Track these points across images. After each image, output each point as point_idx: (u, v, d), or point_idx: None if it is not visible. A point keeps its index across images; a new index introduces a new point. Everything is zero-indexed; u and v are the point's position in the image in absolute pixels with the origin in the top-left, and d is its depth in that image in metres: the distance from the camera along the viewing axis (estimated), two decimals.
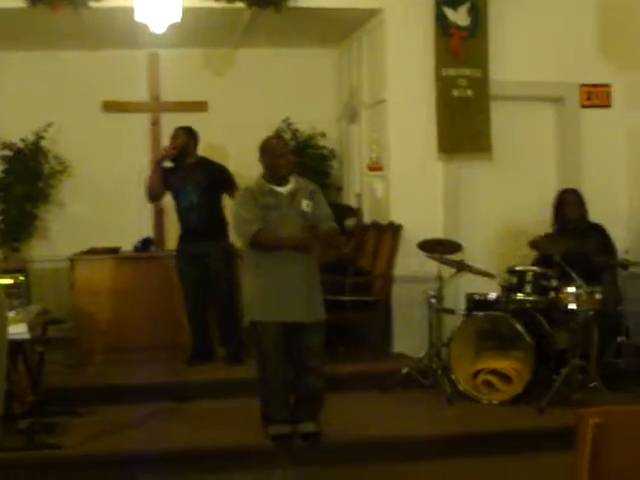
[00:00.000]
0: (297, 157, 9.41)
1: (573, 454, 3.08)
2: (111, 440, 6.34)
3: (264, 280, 6.13)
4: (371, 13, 8.62)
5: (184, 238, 8.15)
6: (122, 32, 8.76)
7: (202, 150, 8.34)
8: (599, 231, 7.97)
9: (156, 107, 9.81)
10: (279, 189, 6.18)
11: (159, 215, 9.64)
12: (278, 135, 6.89)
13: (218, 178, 8.12)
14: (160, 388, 7.45)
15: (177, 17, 7.08)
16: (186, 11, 7.57)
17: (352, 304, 7.93)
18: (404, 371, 7.48)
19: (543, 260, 7.71)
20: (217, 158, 8.50)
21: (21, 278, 7.94)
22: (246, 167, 8.48)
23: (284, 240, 6.09)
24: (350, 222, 8.23)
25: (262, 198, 6.15)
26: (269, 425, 6.23)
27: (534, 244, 7.72)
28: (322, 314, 6.22)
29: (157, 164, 8.08)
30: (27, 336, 6.06)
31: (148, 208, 9.52)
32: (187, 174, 8.02)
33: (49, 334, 6.80)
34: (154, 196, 8.29)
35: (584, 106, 8.85)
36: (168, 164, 8.04)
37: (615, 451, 3.05)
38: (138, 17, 7.06)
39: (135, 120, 9.78)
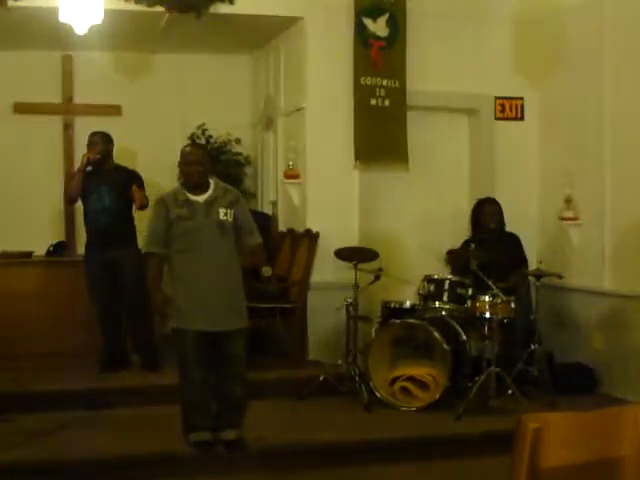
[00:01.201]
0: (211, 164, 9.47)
1: (510, 458, 3.11)
2: (30, 449, 6.18)
3: (182, 287, 6.07)
4: (291, 21, 8.63)
5: (93, 243, 7.98)
6: (36, 33, 8.59)
7: (115, 154, 8.20)
8: (514, 241, 8.12)
9: (69, 110, 9.66)
10: (195, 198, 6.08)
11: (70, 219, 9.48)
12: (193, 143, 6.79)
13: (131, 183, 8.01)
14: (74, 395, 7.31)
15: (99, 18, 6.99)
16: (105, 13, 7.48)
17: (268, 311, 7.93)
18: (321, 378, 7.49)
19: (460, 269, 7.82)
20: (129, 163, 8.39)
21: None
22: (157, 173, 8.46)
23: (151, 284, 6.24)
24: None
25: (175, 208, 6.06)
26: (190, 432, 6.16)
27: (452, 258, 7.89)
28: (243, 322, 6.15)
29: (84, 169, 7.94)
30: None
31: (59, 212, 9.39)
32: (102, 178, 7.93)
33: None
34: (74, 199, 8.15)
35: (498, 118, 9.01)
36: (89, 168, 7.96)
37: (550, 455, 3.11)
38: (63, 18, 6.95)
39: (47, 123, 9.60)
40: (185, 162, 6.15)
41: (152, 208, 6.46)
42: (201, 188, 6.10)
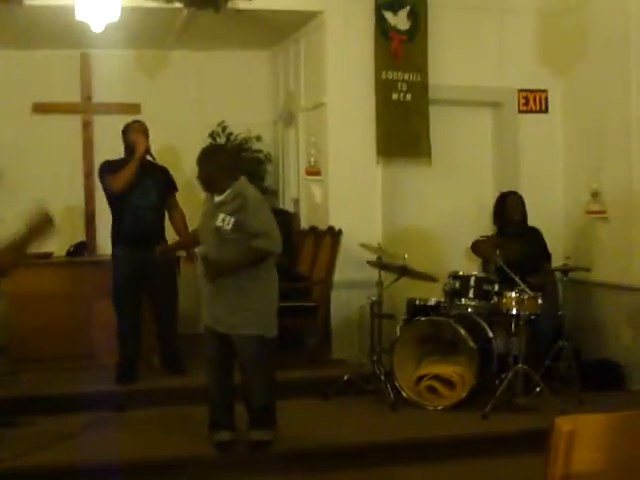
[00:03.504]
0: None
1: (544, 460, 3.06)
2: (54, 452, 6.14)
3: (200, 287, 6.11)
4: (310, 15, 8.55)
5: (130, 240, 7.58)
6: (54, 32, 8.61)
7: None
8: (537, 235, 8.03)
9: (88, 108, 9.62)
10: (214, 198, 6.04)
11: (91, 219, 9.44)
12: (207, 146, 6.71)
13: (169, 182, 7.93)
14: (97, 397, 7.23)
15: (115, 16, 6.92)
16: (122, 10, 7.42)
17: (290, 310, 7.83)
18: (346, 377, 7.40)
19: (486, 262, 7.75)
20: None
21: None
22: (177, 171, 8.34)
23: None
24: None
25: (205, 204, 6.18)
26: (212, 432, 6.15)
27: (476, 248, 7.77)
28: (251, 329, 5.93)
29: (141, 158, 7.56)
30: None
31: (79, 212, 9.35)
32: (145, 173, 7.61)
33: None
34: (124, 189, 7.53)
35: (521, 111, 8.91)
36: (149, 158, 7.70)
37: (583, 457, 3.08)
38: (79, 16, 6.89)
39: (67, 122, 9.56)
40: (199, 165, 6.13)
41: None
42: (217, 191, 6.02)
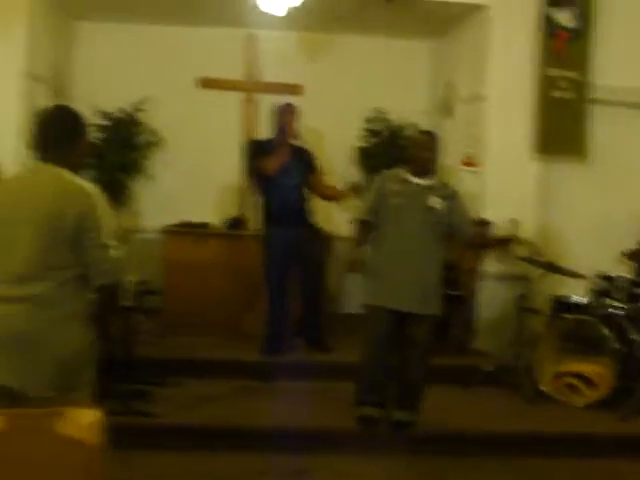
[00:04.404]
0: (389, 147, 9.52)
1: None
2: (199, 413, 6.48)
3: (381, 261, 6.27)
4: (476, 9, 8.60)
5: (279, 220, 7.83)
6: (222, 10, 8.89)
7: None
8: None
9: (252, 87, 9.83)
10: (413, 179, 6.25)
11: (246, 195, 9.71)
12: (425, 131, 6.90)
13: (311, 161, 8.13)
14: (243, 365, 7.56)
15: (297, 1, 7.06)
16: None
17: None
18: (488, 369, 7.49)
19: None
20: (312, 142, 8.43)
21: None
22: (336, 153, 8.47)
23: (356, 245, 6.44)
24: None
25: (391, 183, 6.30)
26: (358, 406, 6.34)
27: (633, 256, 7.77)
28: (434, 308, 6.26)
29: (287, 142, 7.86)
30: (129, 304, 6.17)
31: (235, 186, 9.64)
32: (293, 153, 7.88)
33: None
34: (276, 172, 7.80)
35: None
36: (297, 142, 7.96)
37: None
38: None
39: (230, 99, 9.81)
40: (417, 147, 6.30)
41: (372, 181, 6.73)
42: (423, 174, 6.25)
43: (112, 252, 3.84)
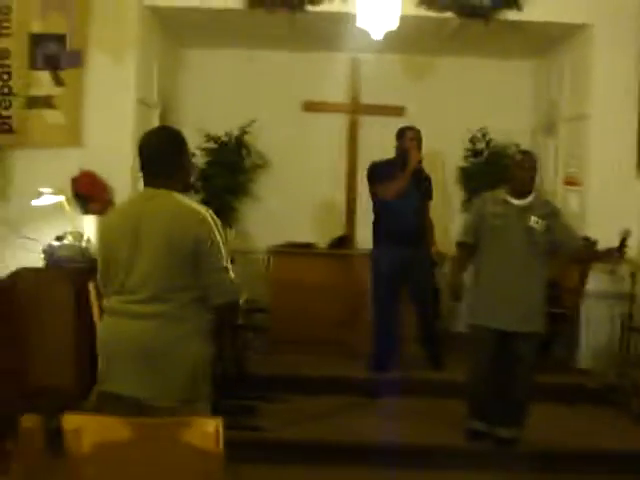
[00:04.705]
0: (491, 166, 9.57)
1: None
2: (306, 428, 6.63)
3: (485, 282, 6.39)
4: (579, 28, 8.60)
5: (394, 240, 7.82)
6: (328, 36, 9.04)
7: None
8: None
9: (355, 109, 10.06)
10: (512, 201, 6.33)
11: (351, 215, 9.89)
12: (525, 151, 6.99)
13: (429, 186, 8.23)
14: (349, 382, 7.70)
15: (394, 24, 7.23)
16: (399, 19, 7.72)
17: None
18: (592, 386, 7.48)
19: None
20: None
21: None
22: (440, 173, 8.55)
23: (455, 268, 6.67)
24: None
25: (491, 205, 6.39)
26: (469, 420, 6.47)
27: None
28: (537, 326, 6.32)
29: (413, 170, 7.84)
30: (240, 322, 6.36)
31: (340, 206, 9.82)
32: (413, 178, 7.85)
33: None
34: (400, 197, 7.84)
35: None
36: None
37: None
38: (360, 23, 7.24)
39: (333, 121, 10.03)
40: (520, 167, 6.35)
41: (473, 203, 6.86)
42: (523, 194, 6.33)
43: (230, 274, 4.00)
